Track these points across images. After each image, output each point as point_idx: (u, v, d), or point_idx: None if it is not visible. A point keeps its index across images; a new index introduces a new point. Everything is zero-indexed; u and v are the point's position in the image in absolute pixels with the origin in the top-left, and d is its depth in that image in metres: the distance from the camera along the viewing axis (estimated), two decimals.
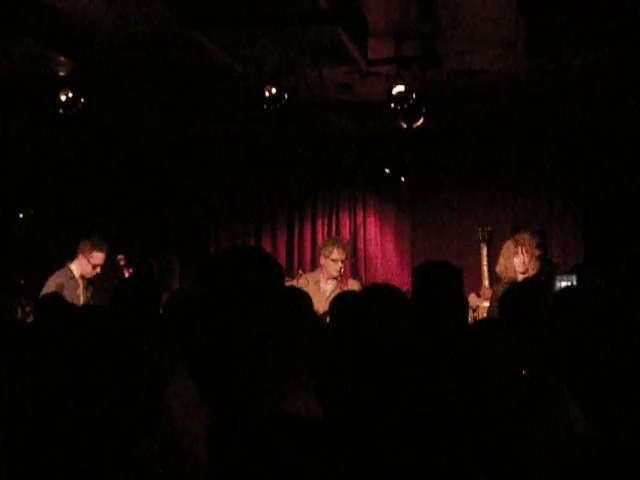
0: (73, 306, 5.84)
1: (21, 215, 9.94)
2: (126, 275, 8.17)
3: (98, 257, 7.77)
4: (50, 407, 3.44)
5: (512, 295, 4.73)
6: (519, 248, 7.61)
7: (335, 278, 7.92)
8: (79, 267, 7.81)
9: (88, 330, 4.17)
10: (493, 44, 6.58)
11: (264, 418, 2.02)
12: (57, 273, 7.82)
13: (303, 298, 4.95)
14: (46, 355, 4.06)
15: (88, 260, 7.75)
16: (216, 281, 2.10)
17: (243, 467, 2.01)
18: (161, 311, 4.77)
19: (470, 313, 7.42)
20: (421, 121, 7.02)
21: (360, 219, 10.15)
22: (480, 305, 7.82)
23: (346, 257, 8.06)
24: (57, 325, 4.57)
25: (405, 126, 7.03)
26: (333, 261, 7.92)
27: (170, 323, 4.27)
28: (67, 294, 7.42)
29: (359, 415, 2.39)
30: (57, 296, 5.91)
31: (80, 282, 7.82)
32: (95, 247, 7.76)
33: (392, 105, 6.88)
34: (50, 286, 7.63)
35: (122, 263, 8.27)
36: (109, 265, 8.40)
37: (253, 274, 2.09)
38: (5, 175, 9.84)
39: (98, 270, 7.82)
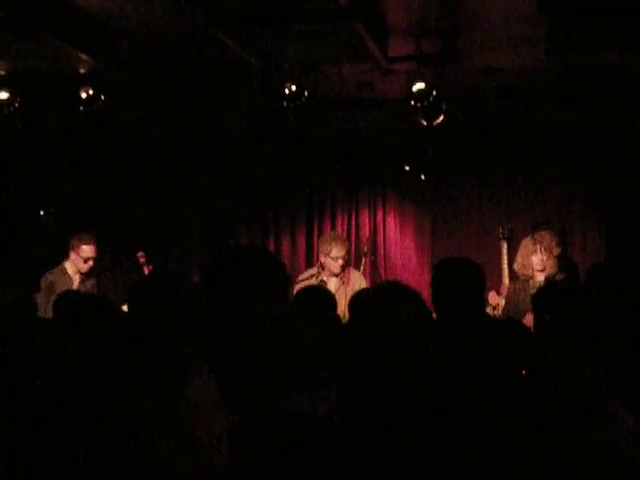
0: (91, 304, 5.85)
1: (42, 212, 9.99)
2: (146, 272, 8.22)
3: (86, 250, 7.88)
4: (69, 406, 3.45)
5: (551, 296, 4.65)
6: (537, 246, 7.55)
7: (337, 275, 7.77)
8: (72, 264, 7.94)
9: (108, 329, 4.19)
10: (513, 42, 6.56)
11: (272, 416, 2.03)
12: (49, 272, 7.98)
13: (324, 298, 4.96)
14: (63, 353, 4.07)
15: (78, 254, 7.88)
16: (217, 281, 2.11)
17: (257, 465, 2.01)
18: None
19: (490, 311, 7.39)
20: (441, 118, 7.01)
21: (380, 217, 10.11)
22: (500, 303, 7.77)
23: (346, 253, 7.82)
24: (75, 323, 4.58)
25: (425, 123, 7.02)
26: (333, 259, 7.73)
27: (189, 320, 4.28)
28: (59, 291, 7.53)
29: (365, 414, 2.38)
30: (75, 294, 5.92)
31: (76, 278, 7.94)
32: (82, 241, 7.89)
33: (412, 102, 6.88)
34: (41, 287, 7.81)
35: (142, 260, 8.32)
36: (130, 262, 8.43)
37: (253, 274, 2.10)
38: (26, 172, 9.89)
39: (91, 263, 7.92)
